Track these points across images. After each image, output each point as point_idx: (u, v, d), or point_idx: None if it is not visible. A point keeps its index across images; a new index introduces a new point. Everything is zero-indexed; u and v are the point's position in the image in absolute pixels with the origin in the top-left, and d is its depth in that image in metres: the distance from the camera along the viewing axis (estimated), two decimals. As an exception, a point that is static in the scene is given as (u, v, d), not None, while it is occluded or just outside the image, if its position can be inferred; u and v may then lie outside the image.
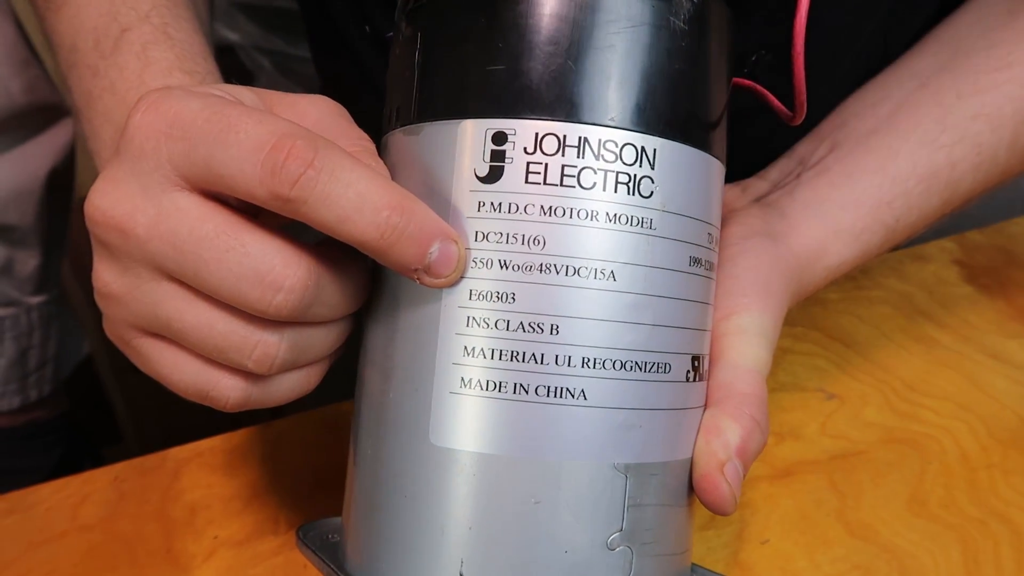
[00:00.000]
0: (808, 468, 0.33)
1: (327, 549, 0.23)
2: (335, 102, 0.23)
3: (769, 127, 0.26)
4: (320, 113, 0.22)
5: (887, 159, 0.28)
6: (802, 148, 0.30)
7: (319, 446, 0.36)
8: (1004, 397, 0.36)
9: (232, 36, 1.14)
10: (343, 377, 0.27)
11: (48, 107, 0.46)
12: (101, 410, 0.83)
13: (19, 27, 0.45)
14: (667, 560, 0.20)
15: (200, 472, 0.34)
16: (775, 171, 0.30)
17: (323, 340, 0.21)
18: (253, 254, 0.19)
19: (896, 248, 0.49)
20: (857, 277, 0.44)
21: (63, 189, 0.48)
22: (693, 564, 0.24)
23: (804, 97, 0.21)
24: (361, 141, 0.22)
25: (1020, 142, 0.28)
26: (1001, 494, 0.32)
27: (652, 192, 0.19)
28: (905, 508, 0.32)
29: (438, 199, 0.20)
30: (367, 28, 0.39)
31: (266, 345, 0.20)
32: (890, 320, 0.41)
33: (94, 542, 0.32)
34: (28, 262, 0.47)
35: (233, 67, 1.16)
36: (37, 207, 0.46)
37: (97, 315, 0.23)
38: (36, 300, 0.48)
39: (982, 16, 0.31)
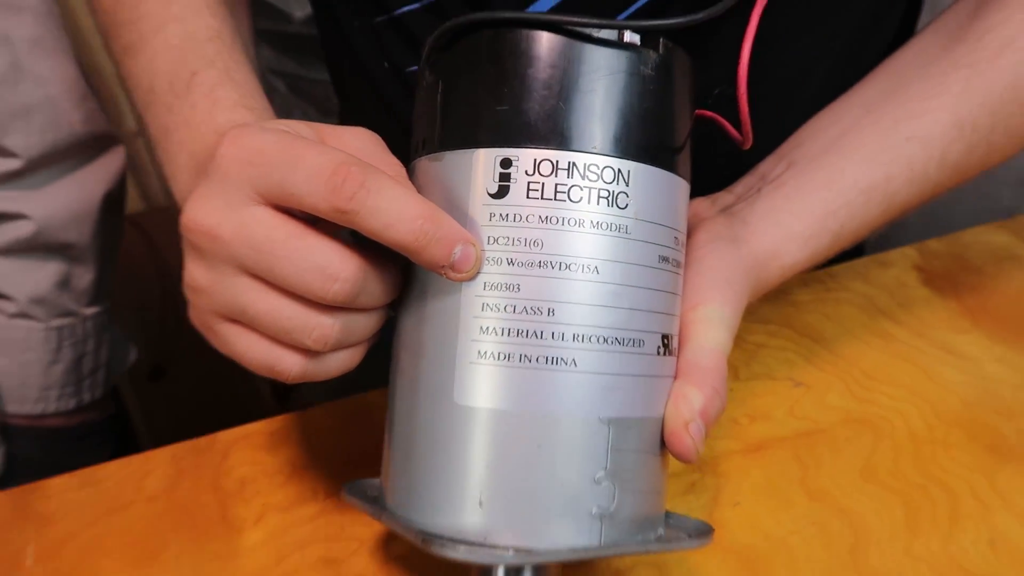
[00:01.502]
0: (776, 444, 0.38)
1: (367, 499, 0.28)
2: (373, 133, 0.28)
3: (737, 148, 0.31)
4: (362, 143, 0.27)
5: (833, 175, 0.33)
6: (764, 166, 0.35)
7: (348, 431, 0.41)
8: (951, 384, 0.41)
9: (249, 62, 1.19)
10: (367, 371, 0.32)
11: (103, 136, 0.52)
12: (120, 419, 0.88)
13: (78, 65, 0.50)
14: (643, 496, 0.25)
15: (246, 451, 0.39)
16: (740, 186, 0.35)
17: (366, 324, 0.27)
18: (316, 252, 0.24)
19: (858, 253, 0.54)
20: (826, 281, 0.49)
21: (116, 210, 0.54)
22: (668, 511, 0.28)
23: (749, 127, 0.27)
24: (394, 166, 0.27)
25: (948, 160, 0.33)
26: (941, 464, 0.37)
27: (627, 204, 0.25)
28: (858, 476, 0.36)
29: (458, 212, 0.25)
30: (386, 64, 0.44)
31: (323, 327, 0.25)
32: (854, 318, 0.46)
33: (158, 510, 0.37)
34: (84, 277, 0.53)
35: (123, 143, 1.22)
36: (93, 227, 0.52)
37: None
38: (90, 311, 0.54)
39: (921, 51, 0.37)
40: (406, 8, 0.38)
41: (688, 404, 0.26)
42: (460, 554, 0.23)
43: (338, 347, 0.26)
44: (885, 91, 0.35)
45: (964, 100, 0.32)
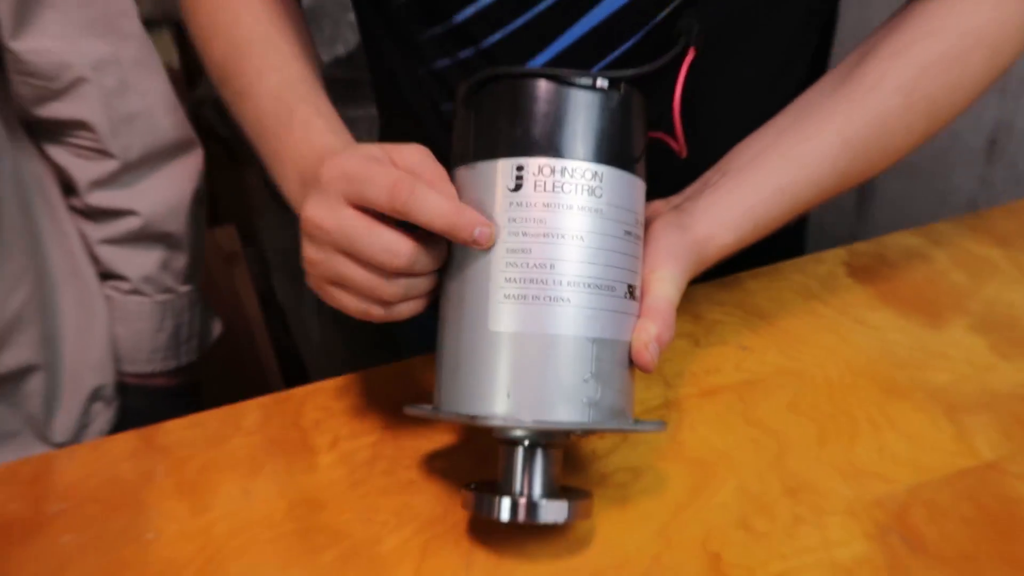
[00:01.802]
0: (725, 390, 0.50)
1: (423, 410, 0.40)
2: (425, 148, 0.40)
3: (681, 160, 0.43)
4: (419, 157, 0.39)
5: (755, 181, 0.45)
6: (706, 175, 0.47)
7: (395, 387, 0.52)
8: (861, 347, 0.53)
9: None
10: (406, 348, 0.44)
11: (187, 140, 0.64)
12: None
13: (168, 79, 0.63)
14: (618, 394, 0.37)
15: (317, 400, 0.51)
16: (689, 190, 0.47)
17: (423, 285, 0.39)
18: (384, 238, 0.36)
19: (799, 252, 0.65)
20: (772, 273, 0.61)
21: (201, 203, 0.66)
22: (637, 419, 0.40)
23: (683, 142, 0.39)
24: (439, 172, 0.39)
25: (838, 170, 0.45)
26: (848, 401, 0.49)
27: (601, 194, 0.37)
28: (785, 409, 0.48)
29: (487, 203, 0.37)
30: (437, 110, 0.56)
31: (392, 287, 0.37)
32: (791, 301, 0.58)
33: (254, 442, 0.48)
34: (180, 260, 0.65)
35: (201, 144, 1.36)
36: (186, 218, 0.64)
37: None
38: (184, 289, 0.66)
39: (820, 90, 0.49)
40: (442, 63, 0.51)
41: (647, 332, 0.38)
42: (498, 422, 0.35)
43: (404, 300, 0.38)
44: (794, 119, 0.48)
45: (848, 126, 0.45)
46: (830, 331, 0.55)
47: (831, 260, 0.62)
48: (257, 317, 1.28)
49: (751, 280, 0.60)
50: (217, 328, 0.70)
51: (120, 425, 0.64)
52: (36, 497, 0.46)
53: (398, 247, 0.37)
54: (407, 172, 0.37)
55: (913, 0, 0.47)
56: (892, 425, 0.47)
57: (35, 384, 0.58)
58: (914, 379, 0.50)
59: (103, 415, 0.63)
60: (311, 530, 0.43)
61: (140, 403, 0.65)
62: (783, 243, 0.65)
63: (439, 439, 0.47)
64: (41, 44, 0.54)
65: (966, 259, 0.60)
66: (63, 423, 0.60)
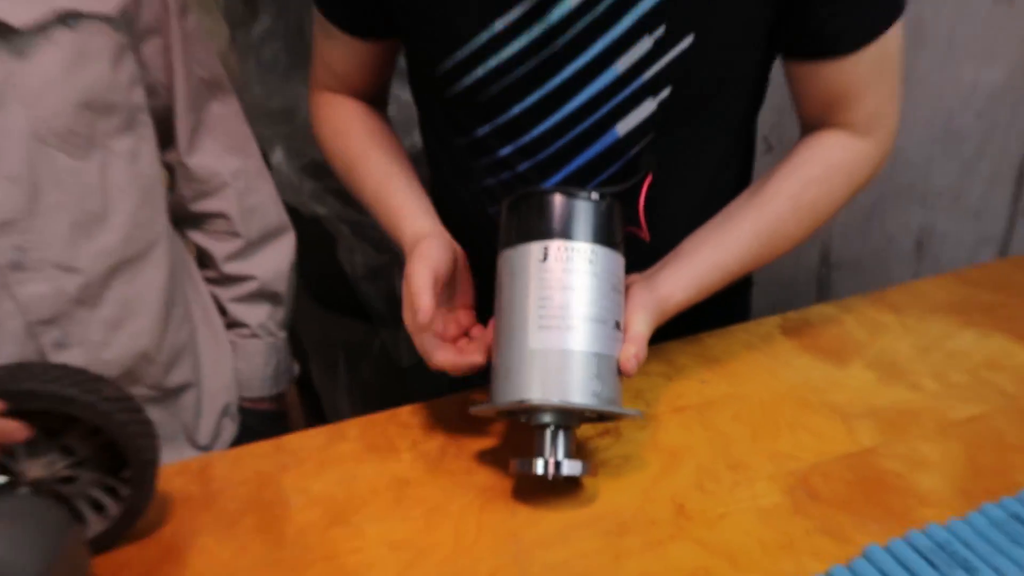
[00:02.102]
0: (688, 407, 0.70)
1: (483, 406, 0.60)
2: (452, 245, 0.63)
3: (654, 247, 0.66)
4: (459, 253, 0.62)
5: (699, 260, 0.67)
6: (666, 257, 0.69)
7: (445, 411, 0.72)
8: (787, 379, 0.74)
9: (320, 210, 1.59)
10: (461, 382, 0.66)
11: (286, 225, 0.87)
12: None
13: (273, 181, 0.86)
14: (612, 390, 0.58)
15: (398, 419, 0.71)
16: (655, 266, 0.69)
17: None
18: (422, 305, 0.59)
19: (744, 317, 0.87)
20: (724, 333, 0.82)
21: (294, 271, 0.88)
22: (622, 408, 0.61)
23: (647, 233, 0.62)
24: (462, 257, 0.62)
25: (753, 252, 0.67)
26: (775, 414, 0.69)
27: (596, 263, 0.59)
28: (730, 419, 0.68)
29: (524, 269, 0.59)
30: (486, 213, 0.78)
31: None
32: (738, 351, 0.79)
33: (356, 446, 0.68)
34: (281, 312, 0.86)
35: (320, 233, 1.59)
36: (287, 281, 0.86)
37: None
38: (283, 335, 0.87)
39: (741, 199, 0.71)
40: (489, 182, 0.74)
41: (629, 351, 0.59)
42: (536, 403, 0.55)
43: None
44: (723, 219, 0.70)
45: (757, 223, 0.67)
46: (765, 370, 0.76)
47: (769, 323, 0.84)
48: (295, 398, 1.48)
49: (709, 338, 0.81)
50: (296, 368, 0.91)
51: (240, 438, 0.83)
52: (206, 480, 0.65)
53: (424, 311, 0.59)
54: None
55: (799, 143, 0.71)
56: (804, 427, 0.67)
57: (188, 399, 0.78)
58: (822, 399, 0.71)
59: (229, 428, 0.83)
60: (403, 498, 0.62)
61: (251, 421, 0.85)
62: (735, 311, 0.87)
63: (486, 441, 0.67)
64: (203, 160, 0.78)
65: (867, 321, 0.82)
66: (204, 431, 0.80)
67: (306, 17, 1.59)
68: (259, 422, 0.85)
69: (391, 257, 1.60)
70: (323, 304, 1.73)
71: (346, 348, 1.73)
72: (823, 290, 1.49)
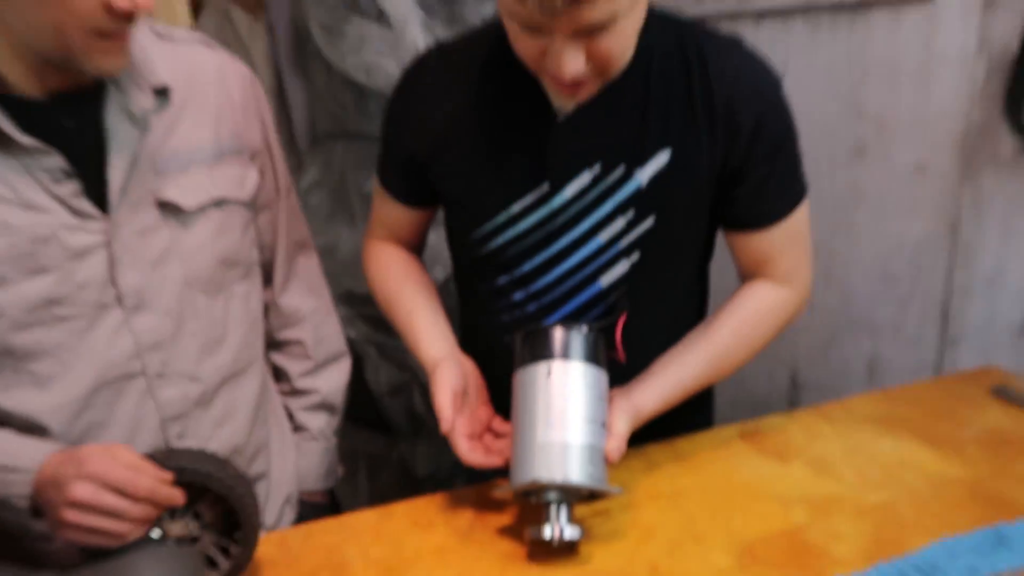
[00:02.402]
0: (661, 495, 0.90)
1: (503, 488, 0.80)
2: (469, 370, 0.86)
3: (630, 367, 0.87)
4: (470, 369, 0.84)
5: (663, 378, 0.88)
6: (640, 376, 0.91)
7: (461, 503, 0.91)
8: (741, 472, 0.93)
9: (351, 333, 1.81)
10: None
11: (345, 350, 1.08)
12: None
13: (335, 310, 1.08)
14: (602, 472, 0.78)
15: (430, 502, 0.90)
16: (631, 383, 0.90)
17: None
18: (444, 417, 0.81)
19: (708, 425, 1.07)
20: (693, 438, 1.02)
21: (349, 387, 1.09)
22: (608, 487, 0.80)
23: (623, 356, 0.84)
24: (477, 378, 0.84)
25: (709, 373, 0.88)
26: (730, 497, 0.88)
27: (589, 378, 0.81)
28: (696, 502, 0.88)
29: (533, 383, 0.81)
30: (502, 342, 1.00)
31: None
32: (703, 451, 0.98)
33: (401, 523, 0.87)
34: (336, 421, 1.06)
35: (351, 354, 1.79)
36: (343, 395, 1.06)
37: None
38: (334, 440, 1.06)
39: (697, 331, 0.93)
40: (506, 318, 0.96)
41: (612, 444, 0.80)
42: (544, 481, 0.75)
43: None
44: (683, 346, 0.91)
45: (709, 350, 0.89)
46: (724, 466, 0.95)
47: (731, 430, 1.04)
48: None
49: (680, 441, 1.02)
50: (341, 470, 1.10)
51: (297, 523, 1.01)
52: (286, 548, 0.84)
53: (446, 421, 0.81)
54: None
55: (739, 289, 0.94)
56: (752, 510, 0.86)
57: (261, 487, 0.97)
58: (767, 489, 0.90)
59: (288, 514, 1.01)
60: (441, 561, 0.81)
61: (305, 511, 1.03)
62: (699, 419, 1.07)
63: (504, 519, 0.86)
64: (290, 300, 1.01)
65: (807, 430, 1.03)
66: (270, 514, 0.98)
67: (347, 172, 1.88)
68: (311, 511, 1.03)
69: (411, 376, 1.80)
70: (349, 417, 1.93)
71: (368, 458, 1.90)
72: (792, 407, 1.70)
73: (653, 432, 0.93)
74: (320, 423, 1.05)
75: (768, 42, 1.72)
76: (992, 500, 0.86)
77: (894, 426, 1.03)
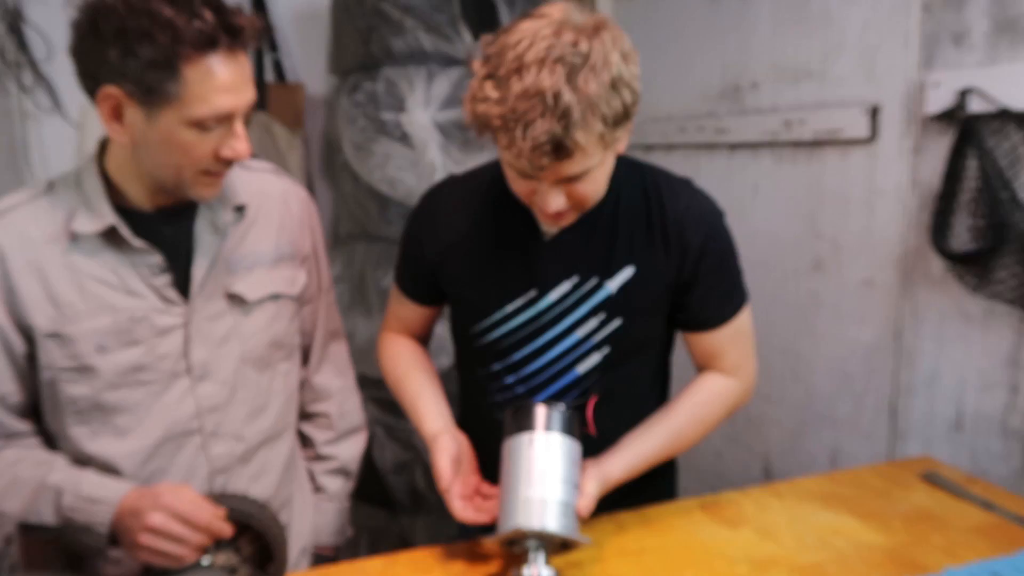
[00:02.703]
0: (629, 553, 1.05)
1: (491, 536, 0.96)
2: (462, 442, 1.04)
3: (602, 440, 1.05)
4: (463, 442, 1.03)
5: (629, 452, 1.05)
6: (610, 449, 1.08)
7: (469, 552, 1.07)
8: (698, 537, 1.09)
9: (361, 424, 1.96)
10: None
11: (363, 424, 1.27)
12: None
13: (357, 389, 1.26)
14: (574, 524, 0.94)
15: (428, 555, 1.06)
16: (602, 455, 1.07)
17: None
18: (443, 477, 0.99)
19: (671, 496, 1.24)
20: (659, 508, 1.18)
21: (363, 457, 1.26)
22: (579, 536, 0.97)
23: (594, 430, 1.02)
24: (468, 451, 1.02)
25: (671, 447, 1.05)
26: (690, 558, 1.04)
27: (565, 448, 0.98)
28: (659, 564, 1.03)
29: (519, 450, 0.98)
30: (492, 417, 1.18)
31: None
32: (668, 518, 1.14)
33: (405, 570, 1.03)
34: (350, 485, 1.22)
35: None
36: (359, 463, 1.23)
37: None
38: (347, 504, 1.22)
39: (660, 412, 1.11)
40: (499, 398, 1.15)
41: (583, 502, 0.96)
42: (525, 529, 0.92)
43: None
44: (647, 425, 1.08)
45: (669, 428, 1.06)
46: (684, 531, 1.11)
47: (692, 502, 1.20)
48: None
49: (648, 509, 1.18)
50: (350, 531, 1.26)
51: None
52: (308, 584, 0.99)
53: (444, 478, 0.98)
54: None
55: (694, 379, 1.13)
56: (705, 567, 1.02)
57: None
58: (719, 550, 1.06)
59: (303, 564, 1.15)
60: (437, 598, 0.96)
61: (317, 563, 1.17)
62: (662, 491, 1.24)
63: (491, 567, 1.02)
64: (321, 379, 1.20)
65: (758, 503, 1.19)
66: (289, 561, 1.13)
67: (367, 270, 2.11)
68: (322, 563, 1.19)
69: (415, 455, 1.96)
70: (354, 493, 2.08)
71: (369, 531, 2.03)
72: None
73: (624, 501, 1.10)
74: (337, 486, 1.22)
75: (740, 169, 1.97)
76: (906, 563, 1.01)
77: (833, 502, 1.19)
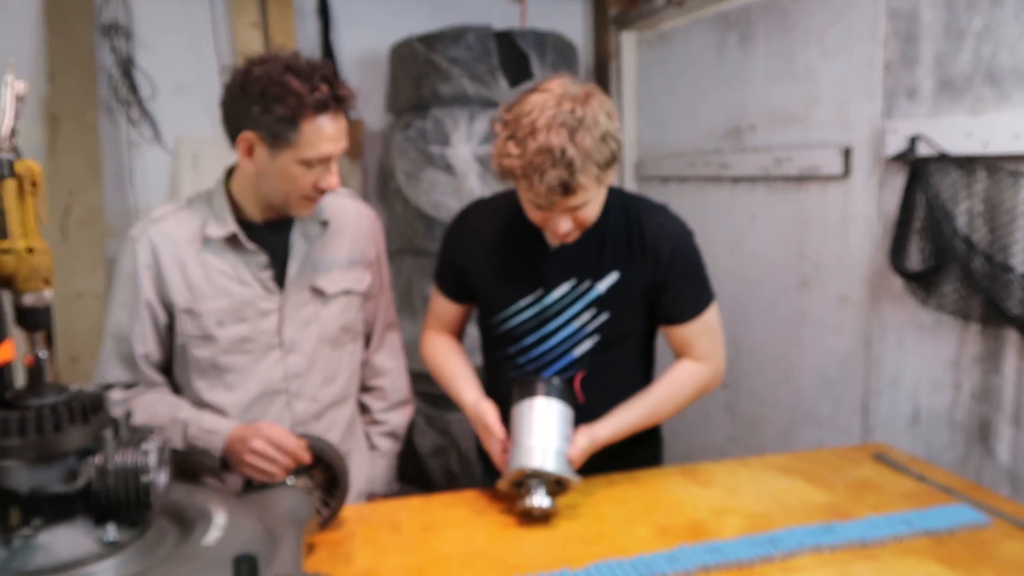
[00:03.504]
0: (615, 500, 1.32)
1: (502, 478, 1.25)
2: (488, 406, 1.32)
3: (590, 410, 1.33)
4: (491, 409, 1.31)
5: (616, 420, 1.31)
6: (599, 418, 1.35)
7: (493, 497, 1.35)
8: (674, 492, 1.35)
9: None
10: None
11: (411, 397, 1.56)
12: None
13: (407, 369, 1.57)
14: (568, 466, 1.22)
15: (466, 496, 1.34)
16: (594, 422, 1.35)
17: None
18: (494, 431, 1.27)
19: (658, 463, 1.51)
20: (647, 471, 1.45)
21: (411, 422, 1.56)
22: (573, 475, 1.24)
23: (581, 398, 1.30)
24: (495, 409, 1.30)
25: (651, 417, 1.32)
26: (662, 509, 1.31)
27: (557, 409, 1.27)
28: (636, 506, 1.30)
29: (526, 413, 1.27)
30: (508, 388, 1.46)
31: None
32: (653, 480, 1.41)
33: (445, 501, 1.31)
34: (398, 446, 1.51)
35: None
36: (404, 429, 1.53)
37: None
38: (395, 461, 1.51)
39: (645, 390, 1.39)
40: (514, 375, 1.43)
41: (573, 451, 1.24)
42: (529, 468, 1.20)
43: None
44: (631, 402, 1.35)
45: (649, 403, 1.32)
46: (664, 487, 1.37)
47: (674, 468, 1.47)
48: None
49: (637, 472, 1.44)
50: (396, 486, 1.55)
51: None
52: (361, 512, 1.29)
53: (495, 430, 1.27)
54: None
55: (672, 364, 1.40)
56: (676, 511, 1.28)
57: None
58: (687, 500, 1.32)
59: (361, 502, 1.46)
60: (472, 518, 1.24)
61: (373, 507, 1.48)
62: (648, 459, 1.50)
63: (502, 504, 1.30)
64: (378, 360, 1.50)
65: (730, 472, 1.44)
66: (348, 501, 1.42)
67: (413, 280, 2.43)
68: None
69: (450, 441, 2.24)
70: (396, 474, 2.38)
71: (411, 511, 2.32)
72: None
73: (614, 463, 1.37)
74: (387, 446, 1.52)
75: (741, 200, 2.25)
76: (839, 514, 1.26)
77: (791, 472, 1.44)
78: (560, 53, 2.40)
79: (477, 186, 2.26)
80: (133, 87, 2.50)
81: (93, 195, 2.43)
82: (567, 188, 1.15)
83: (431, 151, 2.32)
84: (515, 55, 2.33)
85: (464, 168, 2.26)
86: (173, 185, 2.58)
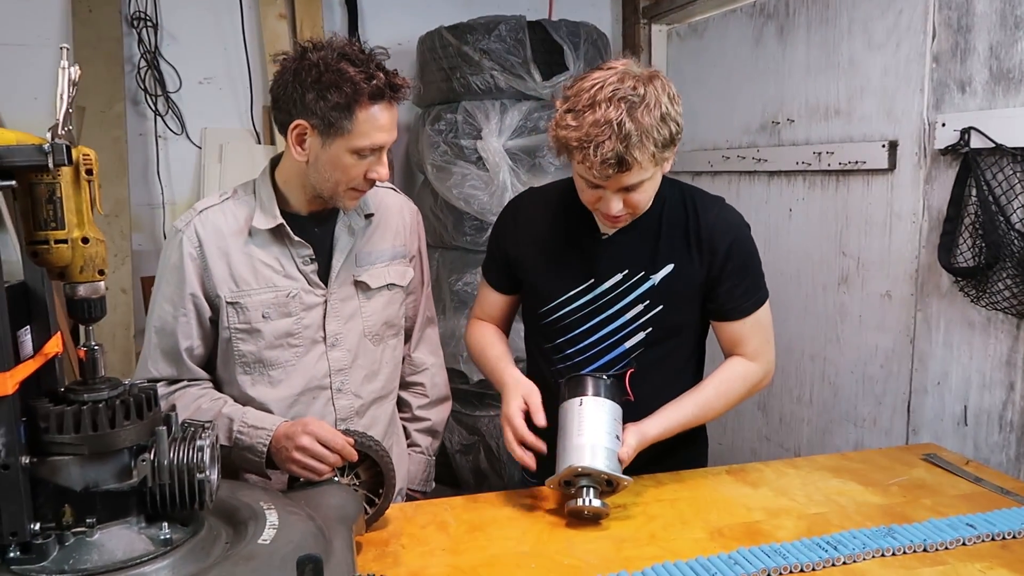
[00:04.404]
0: (664, 500, 1.29)
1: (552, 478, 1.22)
2: (532, 385, 1.28)
3: (641, 408, 1.29)
4: (535, 388, 1.28)
5: (665, 418, 1.28)
6: (649, 415, 1.32)
7: (547, 494, 1.32)
8: (722, 491, 1.32)
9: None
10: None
11: (449, 394, 1.54)
12: None
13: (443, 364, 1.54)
14: (619, 466, 1.19)
15: (505, 497, 1.31)
16: (644, 419, 1.32)
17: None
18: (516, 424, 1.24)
19: (703, 463, 1.48)
20: (693, 473, 1.42)
21: (448, 417, 1.53)
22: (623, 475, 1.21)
23: (631, 396, 1.26)
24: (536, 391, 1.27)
25: (700, 416, 1.29)
26: (712, 510, 1.28)
27: (606, 408, 1.23)
28: (685, 506, 1.27)
29: (573, 412, 1.23)
30: (556, 381, 1.44)
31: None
32: (700, 480, 1.38)
33: (490, 501, 1.28)
34: (437, 443, 1.49)
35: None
36: (444, 426, 1.50)
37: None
38: (434, 458, 1.49)
39: (696, 387, 1.36)
40: (561, 367, 1.40)
41: (624, 451, 1.21)
42: (581, 467, 1.17)
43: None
44: (681, 399, 1.31)
45: (699, 400, 1.29)
46: (713, 487, 1.34)
47: (720, 469, 1.43)
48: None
49: (683, 472, 1.41)
50: (433, 483, 1.52)
51: None
52: (405, 511, 1.26)
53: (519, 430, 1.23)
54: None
55: (723, 362, 1.36)
56: (727, 511, 1.25)
57: None
58: (738, 501, 1.28)
59: (398, 501, 1.42)
60: (517, 519, 1.22)
61: (409, 501, 1.45)
62: (694, 460, 1.47)
63: (549, 503, 1.27)
64: (419, 356, 1.47)
65: (778, 471, 1.41)
66: (393, 502, 1.40)
67: (443, 274, 2.40)
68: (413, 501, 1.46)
69: (479, 439, 2.21)
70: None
71: (439, 508, 2.30)
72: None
73: (661, 463, 1.34)
74: (427, 442, 1.49)
75: (777, 194, 2.21)
76: (897, 517, 1.23)
77: (842, 473, 1.40)
78: (594, 45, 2.37)
79: (508, 180, 2.23)
80: (159, 78, 2.47)
81: (119, 187, 2.42)
82: (622, 162, 1.13)
83: (462, 144, 2.29)
84: (548, 47, 2.29)
85: (495, 161, 2.23)
86: (199, 178, 2.56)
